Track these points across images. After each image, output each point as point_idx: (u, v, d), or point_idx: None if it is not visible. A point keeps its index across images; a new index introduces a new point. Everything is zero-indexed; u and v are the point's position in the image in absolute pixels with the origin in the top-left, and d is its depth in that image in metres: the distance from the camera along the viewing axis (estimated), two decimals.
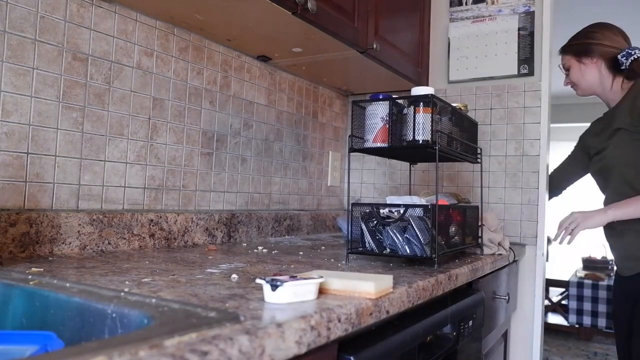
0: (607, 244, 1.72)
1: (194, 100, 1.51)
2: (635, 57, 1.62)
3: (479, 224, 1.48)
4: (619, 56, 1.64)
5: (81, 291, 0.70)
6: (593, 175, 1.79)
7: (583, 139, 1.88)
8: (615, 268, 1.75)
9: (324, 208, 2.22)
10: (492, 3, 2.08)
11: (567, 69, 1.78)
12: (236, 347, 0.50)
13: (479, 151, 1.52)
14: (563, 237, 1.64)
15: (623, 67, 1.64)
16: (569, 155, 1.96)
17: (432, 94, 1.17)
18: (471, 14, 2.13)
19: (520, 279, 2.00)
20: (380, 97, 1.20)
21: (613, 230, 1.63)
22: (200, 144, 1.54)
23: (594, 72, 1.70)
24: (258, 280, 0.71)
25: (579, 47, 1.72)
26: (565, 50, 1.78)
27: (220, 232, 1.55)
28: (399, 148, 1.23)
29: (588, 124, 1.88)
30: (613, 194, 1.64)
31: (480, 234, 1.48)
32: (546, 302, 4.47)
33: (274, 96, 1.87)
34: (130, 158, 1.31)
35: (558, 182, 1.98)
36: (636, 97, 1.60)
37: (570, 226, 1.61)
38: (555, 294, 4.96)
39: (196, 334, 0.51)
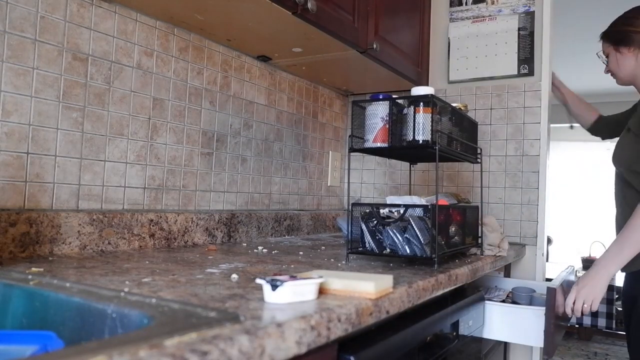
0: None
1: (194, 100, 1.51)
2: None
3: (480, 227, 1.48)
4: None
5: (81, 291, 0.70)
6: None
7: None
8: None
9: (324, 208, 2.21)
10: (492, 3, 2.08)
11: (606, 56, 1.65)
12: (236, 347, 0.50)
13: (479, 151, 1.52)
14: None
15: None
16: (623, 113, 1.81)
17: (432, 94, 1.17)
18: (471, 14, 2.13)
19: (520, 279, 2.00)
20: (380, 97, 1.20)
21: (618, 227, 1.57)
22: (200, 144, 1.54)
23: (630, 62, 1.57)
24: (258, 280, 0.71)
25: (617, 34, 1.58)
26: (604, 36, 1.64)
27: (220, 232, 1.55)
28: (399, 148, 1.23)
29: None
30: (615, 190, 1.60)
31: (480, 234, 1.47)
32: None
33: (274, 96, 1.87)
34: (130, 158, 1.31)
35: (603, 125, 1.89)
36: None
37: (585, 307, 1.40)
38: None
39: (196, 334, 0.51)
